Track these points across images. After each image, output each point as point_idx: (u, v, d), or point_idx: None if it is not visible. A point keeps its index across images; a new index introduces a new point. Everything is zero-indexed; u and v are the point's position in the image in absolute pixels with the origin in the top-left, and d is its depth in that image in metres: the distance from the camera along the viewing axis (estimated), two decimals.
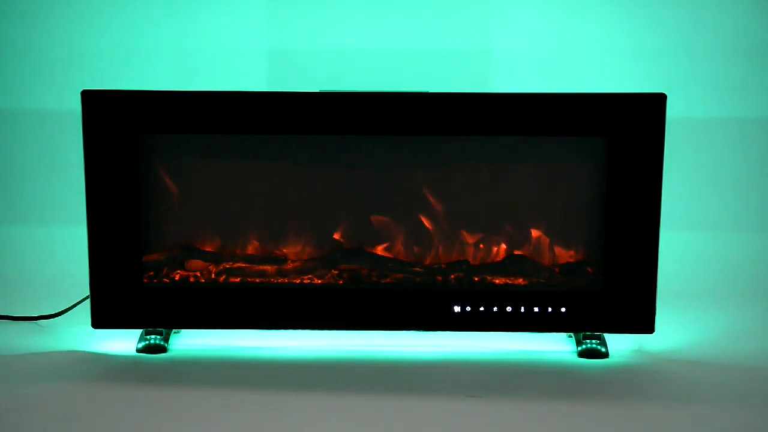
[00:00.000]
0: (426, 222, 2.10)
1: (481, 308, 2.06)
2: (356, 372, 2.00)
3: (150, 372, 2.00)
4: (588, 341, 2.09)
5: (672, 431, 1.78)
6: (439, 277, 2.10)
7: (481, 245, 2.11)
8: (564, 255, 2.10)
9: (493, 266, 2.10)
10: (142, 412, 1.82)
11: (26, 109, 2.57)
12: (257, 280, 2.10)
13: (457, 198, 2.09)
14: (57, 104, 2.53)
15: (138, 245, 2.04)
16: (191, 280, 2.10)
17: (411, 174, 2.08)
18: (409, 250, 2.10)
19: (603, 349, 2.08)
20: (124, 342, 2.11)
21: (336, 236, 2.10)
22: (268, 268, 2.11)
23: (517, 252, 2.10)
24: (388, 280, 2.10)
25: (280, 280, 2.10)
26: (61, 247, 2.52)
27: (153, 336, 2.10)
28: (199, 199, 2.09)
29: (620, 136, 1.99)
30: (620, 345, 2.12)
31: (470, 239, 2.10)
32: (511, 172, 2.08)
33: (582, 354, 2.08)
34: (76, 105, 2.03)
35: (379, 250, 2.10)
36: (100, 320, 2.06)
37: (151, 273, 2.08)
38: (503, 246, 2.11)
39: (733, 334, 2.21)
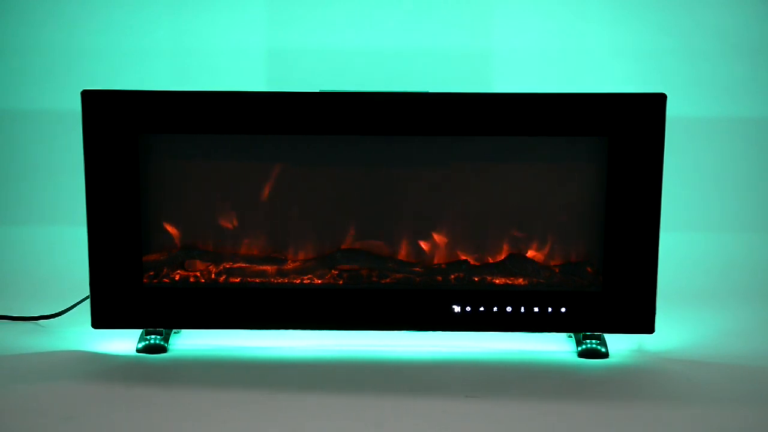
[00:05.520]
0: (425, 221, 2.10)
1: (481, 308, 2.06)
2: (356, 372, 2.00)
3: (150, 372, 2.00)
4: (588, 341, 2.09)
5: (672, 431, 1.78)
6: (439, 277, 2.10)
7: (481, 245, 2.10)
8: (564, 255, 2.10)
9: (493, 266, 2.10)
10: (142, 412, 1.82)
11: (26, 109, 2.56)
12: (257, 280, 2.10)
13: (457, 198, 2.08)
14: (57, 104, 2.53)
15: (138, 245, 2.04)
16: (191, 280, 2.10)
17: (410, 174, 2.08)
18: (409, 250, 2.10)
19: (603, 349, 2.08)
20: (124, 342, 2.11)
21: (336, 236, 2.10)
22: (268, 268, 2.11)
23: (517, 252, 2.10)
24: (388, 280, 2.10)
25: (280, 280, 2.10)
26: (61, 247, 2.52)
27: (153, 336, 2.10)
28: (199, 199, 2.09)
29: (620, 136, 1.99)
30: (620, 345, 2.12)
31: (470, 239, 2.10)
32: (512, 172, 2.08)
33: (582, 354, 2.08)
34: (76, 105, 2.03)
35: (380, 250, 2.10)
36: (100, 320, 2.06)
37: (151, 273, 2.08)
38: (503, 246, 2.11)
39: (733, 334, 2.21)
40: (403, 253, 2.10)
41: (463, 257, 2.11)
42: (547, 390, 1.93)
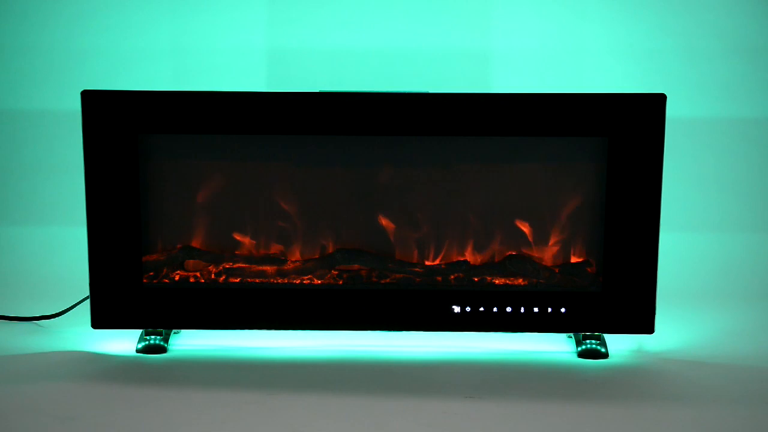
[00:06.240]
0: (425, 222, 2.10)
1: (481, 308, 2.06)
2: (356, 372, 2.00)
3: (150, 372, 2.00)
4: (588, 341, 2.09)
5: (672, 431, 1.78)
6: (439, 278, 2.10)
7: (481, 245, 2.10)
8: (564, 255, 2.10)
9: (493, 266, 2.10)
10: (142, 412, 1.82)
11: (26, 109, 2.56)
12: (257, 281, 2.10)
13: (457, 198, 2.09)
14: (57, 104, 2.53)
15: (138, 245, 2.04)
16: (191, 280, 2.10)
17: (411, 174, 2.08)
18: (408, 250, 2.10)
19: (603, 350, 2.08)
20: (124, 342, 2.11)
21: (336, 236, 2.10)
22: (267, 268, 2.11)
23: (517, 252, 2.10)
24: (388, 280, 2.10)
25: (279, 281, 2.10)
26: (61, 247, 2.52)
27: (153, 336, 2.10)
28: (198, 199, 2.09)
29: (620, 136, 1.99)
30: (620, 345, 2.12)
31: (470, 239, 2.10)
32: (511, 172, 2.08)
33: (582, 354, 2.08)
34: (76, 105, 2.03)
35: (379, 250, 2.10)
36: (100, 320, 2.06)
37: (151, 273, 2.08)
38: (503, 246, 2.11)
39: (733, 334, 2.21)
40: (403, 253, 2.10)
41: (463, 257, 2.11)
42: (547, 390, 1.93)
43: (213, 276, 2.11)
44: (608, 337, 2.13)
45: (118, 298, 2.06)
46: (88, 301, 2.09)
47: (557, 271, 2.10)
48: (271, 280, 2.11)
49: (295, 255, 2.11)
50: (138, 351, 2.09)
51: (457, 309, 2.06)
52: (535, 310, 2.06)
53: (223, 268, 2.11)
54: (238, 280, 2.10)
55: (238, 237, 2.11)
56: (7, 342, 2.13)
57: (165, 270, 2.10)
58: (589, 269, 2.08)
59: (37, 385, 1.92)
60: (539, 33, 2.50)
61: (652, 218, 2.01)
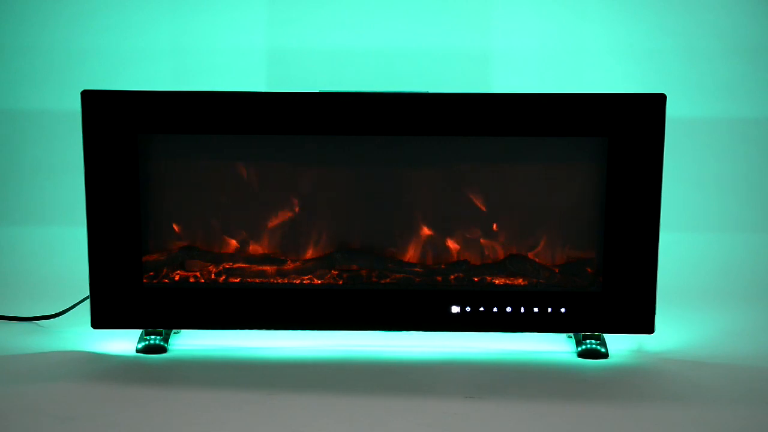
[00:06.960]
0: (425, 222, 2.10)
1: (481, 308, 2.06)
2: (356, 372, 2.00)
3: (150, 372, 2.00)
4: (588, 341, 2.09)
5: (672, 431, 1.78)
6: (439, 278, 2.10)
7: (481, 245, 2.10)
8: (564, 255, 2.10)
9: (493, 266, 2.10)
10: (142, 412, 1.82)
11: (26, 109, 2.56)
12: (257, 281, 2.10)
13: (457, 198, 2.08)
14: (57, 104, 2.53)
15: (138, 245, 2.04)
16: (191, 280, 2.10)
17: (411, 174, 2.08)
18: (408, 250, 2.10)
19: (603, 350, 2.08)
20: (124, 342, 2.11)
21: (336, 236, 2.10)
22: (267, 268, 2.11)
23: (516, 252, 2.10)
24: (388, 280, 2.10)
25: (279, 281, 2.10)
26: (61, 247, 2.52)
27: (153, 336, 2.10)
28: (198, 199, 2.09)
29: (620, 136, 1.99)
30: (620, 345, 2.12)
31: (470, 239, 2.10)
32: (511, 172, 2.08)
33: (582, 354, 2.08)
34: (76, 105, 2.03)
35: (380, 250, 2.10)
36: (99, 320, 2.06)
37: (151, 273, 2.08)
38: (503, 246, 2.10)
39: (733, 334, 2.21)
40: (402, 254, 2.10)
41: (463, 257, 2.11)
42: (547, 390, 1.93)
43: (213, 276, 2.11)
44: (608, 337, 2.13)
45: (118, 298, 2.06)
46: (88, 301, 2.09)
47: (557, 271, 2.10)
48: (271, 280, 2.11)
49: (295, 255, 2.11)
50: (138, 351, 2.09)
51: (456, 309, 2.06)
52: (535, 310, 2.06)
53: (223, 268, 2.11)
54: (238, 280, 2.10)
55: (237, 237, 2.11)
56: (7, 342, 2.13)
57: (165, 270, 2.10)
58: (589, 269, 2.08)
59: (37, 385, 1.92)
60: (539, 33, 2.50)
61: (652, 218, 2.01)
